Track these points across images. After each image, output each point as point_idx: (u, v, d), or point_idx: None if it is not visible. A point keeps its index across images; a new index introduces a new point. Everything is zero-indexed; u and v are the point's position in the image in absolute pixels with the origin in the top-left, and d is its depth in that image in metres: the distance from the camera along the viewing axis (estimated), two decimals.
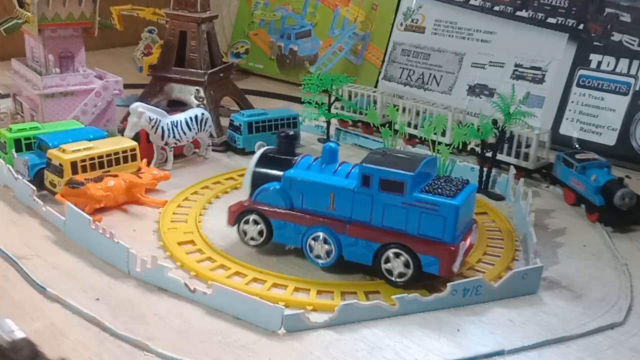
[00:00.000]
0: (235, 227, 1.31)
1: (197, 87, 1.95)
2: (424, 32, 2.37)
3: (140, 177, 1.51)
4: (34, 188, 1.45)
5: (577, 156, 1.60)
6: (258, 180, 1.31)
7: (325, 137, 2.02)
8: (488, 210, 1.55)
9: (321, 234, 1.22)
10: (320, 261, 1.24)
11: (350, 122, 2.05)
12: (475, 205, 1.57)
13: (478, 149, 1.65)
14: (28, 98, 1.88)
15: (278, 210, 1.26)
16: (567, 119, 2.02)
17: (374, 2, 2.55)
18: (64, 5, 1.74)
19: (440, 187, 1.18)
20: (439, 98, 2.26)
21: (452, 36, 2.30)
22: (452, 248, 1.15)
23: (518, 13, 2.17)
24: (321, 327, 1.07)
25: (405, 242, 1.17)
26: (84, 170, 1.48)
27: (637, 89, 1.92)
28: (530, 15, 2.14)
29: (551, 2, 2.10)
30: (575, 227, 1.51)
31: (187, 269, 1.24)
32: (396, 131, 1.83)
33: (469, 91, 2.22)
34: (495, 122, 1.61)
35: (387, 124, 1.85)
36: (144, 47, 2.78)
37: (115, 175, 1.48)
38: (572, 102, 2.03)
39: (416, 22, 2.40)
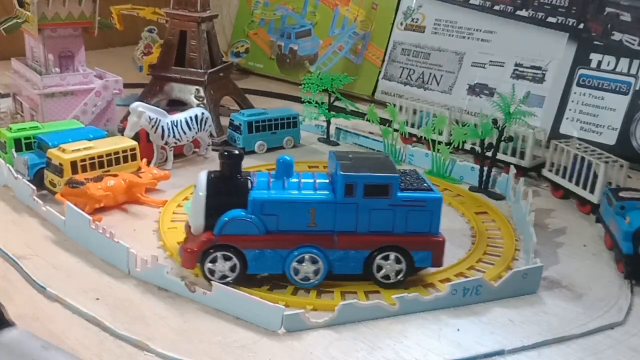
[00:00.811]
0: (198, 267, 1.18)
1: (197, 87, 1.95)
2: (424, 32, 2.37)
3: (140, 177, 1.51)
4: (34, 188, 1.45)
5: (620, 193, 1.38)
6: (213, 210, 1.15)
7: (325, 137, 2.02)
8: (488, 210, 1.55)
9: (306, 255, 1.16)
10: (307, 283, 1.18)
11: (415, 139, 1.93)
12: (477, 204, 1.58)
13: (478, 148, 1.65)
14: (28, 98, 1.88)
15: (252, 239, 1.15)
16: (567, 118, 2.02)
17: (374, 1, 2.55)
18: (64, 5, 1.74)
19: (411, 182, 1.19)
20: (439, 97, 2.26)
21: (452, 35, 2.30)
22: (441, 239, 1.19)
23: (518, 12, 2.17)
24: (321, 327, 1.07)
25: (396, 242, 1.17)
26: (84, 169, 1.48)
27: (637, 88, 1.92)
28: (531, 14, 2.14)
29: (551, 1, 2.10)
30: (575, 227, 1.51)
31: (186, 269, 1.24)
32: (396, 130, 1.83)
33: (469, 91, 2.22)
34: (495, 121, 1.61)
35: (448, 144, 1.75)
36: (143, 47, 2.78)
37: (115, 175, 1.48)
38: (572, 101, 2.02)
39: (416, 22, 2.40)
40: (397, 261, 1.18)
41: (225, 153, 1.19)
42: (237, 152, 1.19)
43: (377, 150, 1.91)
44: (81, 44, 1.85)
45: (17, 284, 1.17)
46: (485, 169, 1.65)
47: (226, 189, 1.17)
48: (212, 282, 1.13)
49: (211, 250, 1.15)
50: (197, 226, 1.17)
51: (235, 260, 1.15)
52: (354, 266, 1.18)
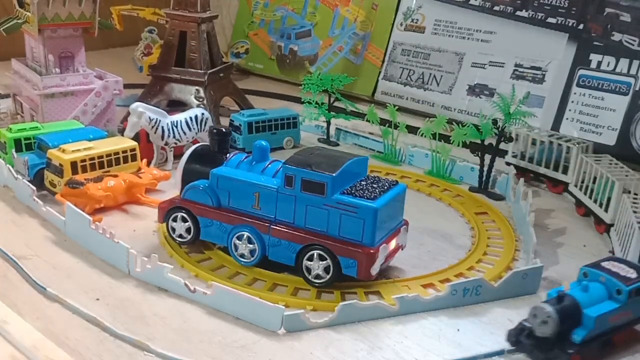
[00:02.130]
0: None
1: (197, 87, 1.95)
2: (424, 32, 2.37)
3: (140, 177, 1.51)
4: (34, 188, 1.45)
5: (604, 263, 1.10)
6: (188, 177, 1.29)
7: (325, 137, 2.02)
8: (488, 210, 1.55)
9: (245, 234, 1.21)
10: (243, 260, 1.23)
11: (531, 175, 1.75)
12: (477, 204, 1.58)
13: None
14: (28, 98, 1.88)
15: (205, 208, 1.25)
16: (567, 118, 2.02)
17: (374, 2, 2.55)
18: (64, 6, 1.74)
19: (364, 188, 1.17)
20: (439, 98, 2.27)
21: (452, 36, 2.30)
22: (371, 251, 1.14)
23: (518, 13, 2.17)
24: (321, 327, 1.07)
25: (325, 243, 1.16)
26: (84, 170, 1.48)
27: (637, 88, 1.92)
28: (530, 15, 2.14)
29: (551, 2, 2.10)
30: (575, 227, 1.51)
31: (187, 269, 1.24)
32: (396, 126, 1.83)
33: (469, 91, 2.22)
34: (495, 122, 1.61)
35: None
36: (144, 47, 2.78)
37: (115, 175, 1.48)
38: (572, 102, 2.02)
39: (416, 22, 2.40)
40: (321, 259, 1.16)
41: (214, 130, 1.32)
42: (224, 129, 1.33)
43: (378, 151, 1.91)
44: (81, 45, 1.85)
45: (17, 284, 1.17)
46: (485, 169, 1.66)
47: (202, 162, 1.30)
48: (174, 239, 1.28)
49: (175, 211, 1.28)
50: (177, 189, 1.33)
51: (190, 224, 1.27)
52: (287, 257, 1.20)
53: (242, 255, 1.23)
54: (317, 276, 1.17)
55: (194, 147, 1.34)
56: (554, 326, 0.96)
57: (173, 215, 1.28)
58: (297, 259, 1.19)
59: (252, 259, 1.23)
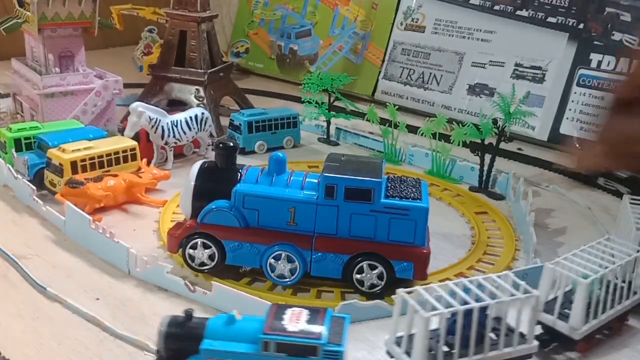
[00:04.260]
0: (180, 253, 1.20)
1: (197, 87, 1.95)
2: (424, 32, 2.37)
3: (140, 177, 1.51)
4: (34, 188, 1.45)
5: None
6: (200, 198, 1.18)
7: (325, 137, 2.02)
8: (488, 210, 1.55)
9: (283, 253, 1.15)
10: (282, 281, 1.17)
11: None
12: (477, 204, 1.58)
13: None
14: (28, 98, 1.88)
15: (231, 230, 1.16)
16: (567, 118, 2.02)
17: (374, 1, 2.55)
18: (64, 5, 1.74)
19: (401, 189, 1.16)
20: (439, 97, 2.26)
21: (452, 35, 2.30)
22: (425, 251, 1.15)
23: (518, 12, 2.17)
24: None
25: (377, 250, 1.14)
26: (84, 169, 1.48)
27: None
28: (531, 14, 2.14)
29: (551, 1, 2.10)
30: (575, 226, 1.51)
31: (187, 269, 1.24)
32: (396, 125, 1.83)
33: (469, 91, 2.22)
34: (495, 121, 1.61)
35: None
36: (143, 47, 2.78)
37: (115, 175, 1.48)
38: (573, 101, 2.02)
39: (416, 22, 2.40)
40: (372, 268, 1.15)
41: (220, 145, 1.21)
42: (231, 144, 1.21)
43: (378, 150, 1.91)
44: (81, 44, 1.85)
45: (17, 284, 1.17)
46: (485, 168, 1.65)
47: (214, 179, 1.19)
48: (194, 268, 1.18)
49: (193, 237, 1.17)
50: (185, 213, 1.21)
51: (214, 249, 1.17)
52: (332, 270, 1.16)
53: (280, 276, 1.16)
54: (372, 286, 1.15)
55: (198, 164, 1.21)
56: (159, 341, 0.88)
57: (191, 243, 1.18)
58: (345, 271, 1.15)
59: (292, 277, 1.16)
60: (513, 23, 2.18)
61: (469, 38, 2.26)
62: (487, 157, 1.65)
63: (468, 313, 0.86)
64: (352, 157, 1.21)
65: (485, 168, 1.66)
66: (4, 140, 1.59)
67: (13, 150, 1.57)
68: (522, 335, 0.93)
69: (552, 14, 2.10)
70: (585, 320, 0.99)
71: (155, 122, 1.65)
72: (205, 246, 1.17)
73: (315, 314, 0.87)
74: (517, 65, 2.14)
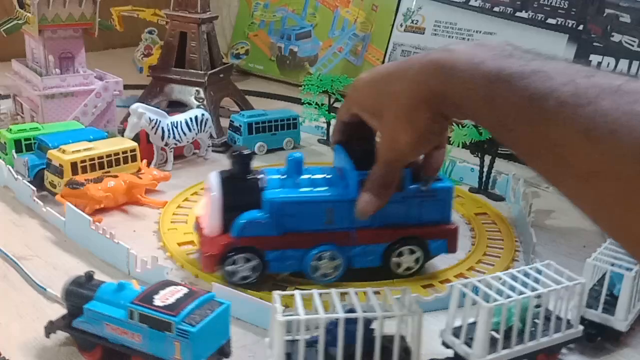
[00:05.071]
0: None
1: (197, 88, 1.96)
2: (423, 33, 2.38)
3: (140, 178, 1.51)
4: (34, 189, 1.45)
5: None
6: (230, 210, 1.14)
7: (325, 138, 2.02)
8: (488, 211, 1.55)
9: (327, 252, 1.17)
10: (328, 278, 1.19)
11: None
12: (477, 205, 1.58)
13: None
14: (28, 99, 1.89)
15: (270, 239, 1.14)
16: None
17: (374, 3, 2.55)
18: (64, 6, 1.74)
19: (416, 173, 1.17)
20: None
21: (452, 37, 2.30)
22: (454, 226, 1.23)
23: (518, 14, 2.17)
24: None
25: (412, 233, 1.19)
26: (84, 170, 1.48)
27: None
28: (530, 16, 2.14)
29: (551, 2, 2.10)
30: (575, 227, 1.51)
31: (187, 270, 1.24)
32: None
33: None
34: None
35: None
36: (144, 48, 2.78)
37: (116, 176, 1.48)
38: None
39: (416, 23, 2.40)
40: (411, 252, 1.21)
41: (236, 152, 1.18)
42: (247, 151, 1.18)
43: None
44: (81, 45, 1.85)
45: (17, 284, 1.17)
46: (485, 169, 1.66)
47: (240, 189, 1.16)
48: (235, 283, 1.15)
49: (231, 253, 1.14)
50: (212, 227, 1.15)
51: (255, 261, 1.15)
52: (373, 259, 1.20)
53: (325, 275, 1.18)
54: (408, 268, 1.22)
55: (217, 175, 1.16)
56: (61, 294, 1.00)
57: (231, 260, 1.14)
58: (384, 258, 1.21)
59: (336, 274, 1.19)
60: (513, 24, 2.18)
61: (468, 39, 2.26)
62: (487, 158, 1.65)
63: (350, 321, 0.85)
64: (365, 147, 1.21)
65: (485, 169, 1.66)
66: (4, 141, 1.59)
67: (13, 151, 1.57)
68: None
69: (552, 15, 2.10)
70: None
71: (156, 123, 1.65)
72: (248, 260, 1.15)
73: (190, 295, 0.91)
74: None
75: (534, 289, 0.94)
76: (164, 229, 1.38)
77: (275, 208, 1.13)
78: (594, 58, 2.01)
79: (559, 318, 0.97)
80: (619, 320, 1.01)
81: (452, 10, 2.31)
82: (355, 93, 0.99)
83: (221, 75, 2.04)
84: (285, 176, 1.18)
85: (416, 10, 2.41)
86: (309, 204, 1.15)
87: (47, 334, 0.99)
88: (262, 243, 1.15)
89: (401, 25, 2.45)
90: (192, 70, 1.97)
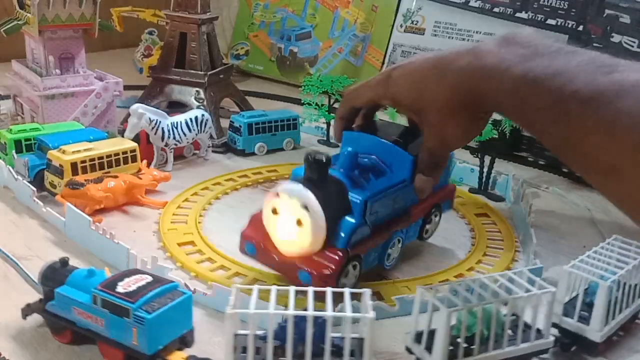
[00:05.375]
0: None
1: (197, 89, 1.96)
2: (423, 34, 2.38)
3: (141, 178, 1.51)
4: (34, 189, 1.45)
5: None
6: (332, 223, 1.06)
7: (325, 138, 2.02)
8: (488, 211, 1.55)
9: (397, 239, 1.20)
10: (393, 262, 1.22)
11: None
12: (477, 205, 1.58)
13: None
14: (28, 99, 1.89)
15: (366, 241, 1.12)
16: None
17: (373, 3, 2.55)
18: (65, 7, 1.74)
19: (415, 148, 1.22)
20: None
21: (452, 37, 2.30)
22: (452, 185, 1.38)
23: (518, 14, 2.17)
24: None
25: (436, 200, 1.30)
26: (84, 171, 1.48)
27: None
28: (530, 16, 2.14)
29: (551, 3, 2.11)
30: (575, 227, 1.52)
31: (187, 270, 1.24)
32: None
33: None
34: (495, 123, 1.61)
35: None
36: (144, 49, 2.78)
37: (116, 176, 1.48)
38: None
39: (416, 24, 2.40)
40: (435, 217, 1.33)
41: (312, 158, 1.05)
42: (324, 157, 1.06)
43: None
44: (81, 46, 1.85)
45: (17, 284, 1.17)
46: (485, 170, 1.66)
47: (335, 199, 1.08)
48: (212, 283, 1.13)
49: (346, 265, 1.08)
50: (315, 244, 1.06)
51: (359, 267, 1.12)
52: (414, 234, 1.28)
53: (394, 259, 1.22)
54: (427, 230, 1.32)
55: (308, 191, 1.03)
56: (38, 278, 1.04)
57: (344, 273, 1.08)
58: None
59: (398, 255, 1.24)
60: (513, 25, 2.18)
61: (468, 40, 2.26)
62: (487, 159, 1.65)
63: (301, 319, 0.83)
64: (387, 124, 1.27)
65: (485, 170, 1.66)
66: (4, 141, 1.59)
67: (13, 151, 1.57)
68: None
69: (552, 16, 2.10)
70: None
71: (156, 124, 1.65)
72: (354, 267, 1.11)
73: (153, 284, 0.94)
74: None
75: (501, 296, 0.92)
76: (164, 229, 1.38)
77: (367, 208, 1.09)
78: None
79: (528, 327, 0.95)
80: (594, 331, 0.98)
81: (452, 10, 2.31)
82: (394, 88, 1.02)
83: (221, 76, 2.04)
84: (341, 170, 1.13)
85: (416, 11, 2.41)
86: (387, 195, 1.14)
87: (24, 316, 1.03)
88: (363, 247, 1.11)
89: (401, 26, 2.45)
90: (192, 71, 1.97)
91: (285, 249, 1.08)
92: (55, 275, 1.01)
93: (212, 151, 1.86)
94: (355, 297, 0.89)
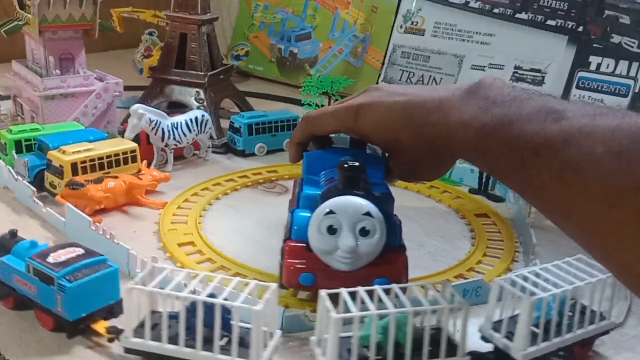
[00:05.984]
0: None
1: (197, 89, 1.96)
2: (423, 35, 2.38)
3: (141, 179, 1.51)
4: (34, 189, 1.46)
5: None
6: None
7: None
8: (488, 212, 1.55)
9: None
10: None
11: None
12: (477, 206, 1.58)
13: None
14: (28, 100, 1.89)
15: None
16: None
17: (373, 4, 2.56)
18: (65, 7, 1.74)
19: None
20: None
21: (452, 38, 2.30)
22: None
23: (517, 15, 2.17)
24: None
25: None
26: (84, 171, 1.48)
27: (636, 90, 1.92)
28: (530, 17, 2.14)
29: (551, 4, 2.11)
30: None
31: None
32: None
33: None
34: None
35: None
36: (144, 49, 2.78)
37: (116, 177, 1.48)
38: None
39: (416, 25, 2.41)
40: None
41: (347, 165, 1.04)
42: (357, 163, 1.05)
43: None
44: (82, 46, 1.85)
45: None
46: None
47: (384, 205, 1.06)
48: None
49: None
50: (375, 252, 1.05)
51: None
52: None
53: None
54: None
55: (369, 204, 1.02)
56: None
57: None
58: None
59: None
60: (512, 26, 2.18)
61: (468, 41, 2.26)
62: None
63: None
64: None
65: None
66: (4, 142, 1.59)
67: (13, 152, 1.57)
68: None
69: (552, 17, 2.10)
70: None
71: (156, 124, 1.65)
72: None
73: (83, 256, 1.02)
74: (516, 67, 2.15)
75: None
76: (164, 229, 1.38)
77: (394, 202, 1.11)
78: (594, 59, 2.01)
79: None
80: (516, 349, 0.92)
81: (452, 11, 2.31)
82: (365, 125, 1.08)
83: (221, 77, 2.04)
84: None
85: (416, 12, 2.42)
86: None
87: None
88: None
89: (401, 27, 2.45)
90: (192, 72, 1.97)
91: (349, 263, 1.04)
92: (3, 245, 1.11)
93: (212, 152, 1.86)
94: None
